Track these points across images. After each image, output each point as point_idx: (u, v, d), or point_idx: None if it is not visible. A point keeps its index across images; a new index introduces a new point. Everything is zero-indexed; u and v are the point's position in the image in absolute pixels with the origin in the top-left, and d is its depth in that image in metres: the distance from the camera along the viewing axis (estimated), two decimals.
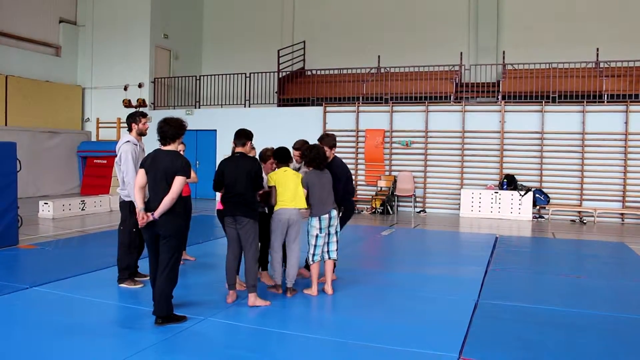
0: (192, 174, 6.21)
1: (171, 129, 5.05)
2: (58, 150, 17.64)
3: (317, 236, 5.85)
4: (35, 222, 11.17)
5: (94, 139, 18.85)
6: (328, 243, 5.98)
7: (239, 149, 5.69)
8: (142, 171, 4.95)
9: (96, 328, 4.74)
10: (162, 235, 4.80)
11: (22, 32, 17.09)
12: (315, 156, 5.94)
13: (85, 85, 19.08)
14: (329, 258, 6.00)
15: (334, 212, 5.93)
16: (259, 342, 4.56)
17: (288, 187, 5.79)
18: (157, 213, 4.73)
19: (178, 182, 4.81)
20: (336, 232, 6.03)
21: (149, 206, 4.82)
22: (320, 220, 5.83)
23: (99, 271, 6.78)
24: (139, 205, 4.83)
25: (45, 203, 12.13)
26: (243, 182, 5.46)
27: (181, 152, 5.59)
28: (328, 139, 6.36)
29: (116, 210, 13.30)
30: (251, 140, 5.80)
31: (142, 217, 4.76)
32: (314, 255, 5.87)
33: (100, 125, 18.78)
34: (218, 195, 6.04)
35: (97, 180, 17.43)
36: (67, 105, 18.48)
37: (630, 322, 5.20)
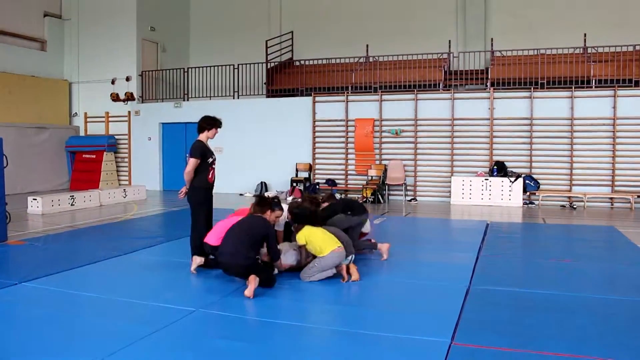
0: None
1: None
2: (46, 146, 17.51)
3: None
4: (24, 218, 11.08)
5: (82, 133, 18.72)
6: None
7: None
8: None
9: (86, 322, 4.71)
10: None
11: (6, 27, 16.88)
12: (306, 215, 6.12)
13: (72, 80, 18.90)
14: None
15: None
16: (252, 332, 4.55)
17: (323, 236, 5.95)
18: None
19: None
20: None
21: None
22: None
23: (89, 266, 6.73)
24: None
25: (34, 199, 12.03)
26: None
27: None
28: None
29: (105, 205, 13.27)
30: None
31: None
32: None
33: (88, 119, 18.65)
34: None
35: (87, 175, 17.36)
36: (54, 100, 18.31)
37: (620, 303, 5.23)
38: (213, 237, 5.98)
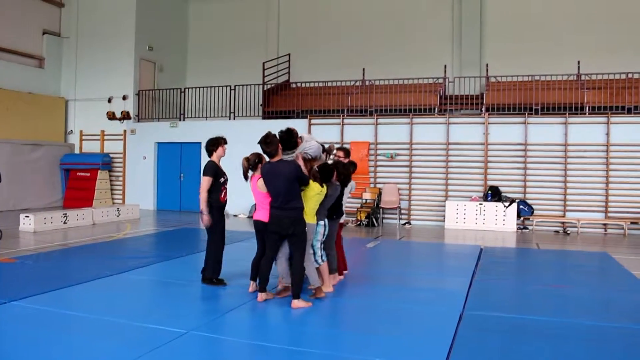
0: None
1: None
2: (40, 163, 17.46)
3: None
4: (15, 236, 11.00)
5: (77, 151, 18.69)
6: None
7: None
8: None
9: (74, 343, 4.65)
10: None
11: (5, 44, 16.95)
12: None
13: (68, 97, 18.94)
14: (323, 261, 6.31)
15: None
16: (242, 356, 4.50)
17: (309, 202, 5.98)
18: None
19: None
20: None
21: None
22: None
23: (80, 285, 6.67)
24: None
25: (26, 216, 11.95)
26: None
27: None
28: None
29: (98, 224, 13.19)
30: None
31: None
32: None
33: (83, 137, 18.65)
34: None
35: (80, 193, 17.28)
36: (50, 117, 18.32)
37: (614, 330, 5.21)
38: (261, 214, 6.03)
